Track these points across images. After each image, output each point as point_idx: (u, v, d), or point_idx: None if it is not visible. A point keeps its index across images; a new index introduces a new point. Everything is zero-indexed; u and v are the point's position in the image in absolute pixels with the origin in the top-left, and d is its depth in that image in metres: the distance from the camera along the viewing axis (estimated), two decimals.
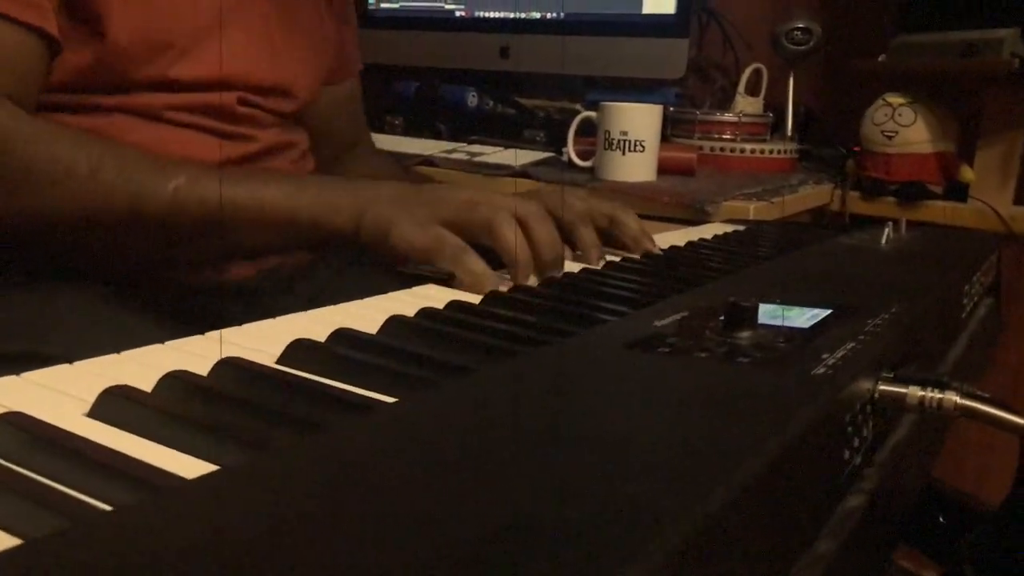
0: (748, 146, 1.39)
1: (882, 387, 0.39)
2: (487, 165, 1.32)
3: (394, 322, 0.46)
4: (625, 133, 1.19)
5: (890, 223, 0.80)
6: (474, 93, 1.56)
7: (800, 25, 1.44)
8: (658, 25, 1.47)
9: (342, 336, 0.43)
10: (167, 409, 0.32)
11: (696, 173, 1.28)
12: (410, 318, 0.47)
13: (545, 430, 0.29)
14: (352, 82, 1.04)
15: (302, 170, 0.88)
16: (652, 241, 0.75)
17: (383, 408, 0.33)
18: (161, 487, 0.26)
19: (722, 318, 0.42)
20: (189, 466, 0.29)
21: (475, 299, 0.54)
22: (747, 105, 1.47)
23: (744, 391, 0.34)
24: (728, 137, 1.41)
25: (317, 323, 0.46)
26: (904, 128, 1.27)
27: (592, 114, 1.24)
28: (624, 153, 1.19)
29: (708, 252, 0.76)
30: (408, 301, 0.53)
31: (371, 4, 1.75)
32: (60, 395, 0.35)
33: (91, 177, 0.63)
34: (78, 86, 0.70)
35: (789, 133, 1.47)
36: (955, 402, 0.38)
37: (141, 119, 0.72)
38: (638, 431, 0.30)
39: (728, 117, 1.43)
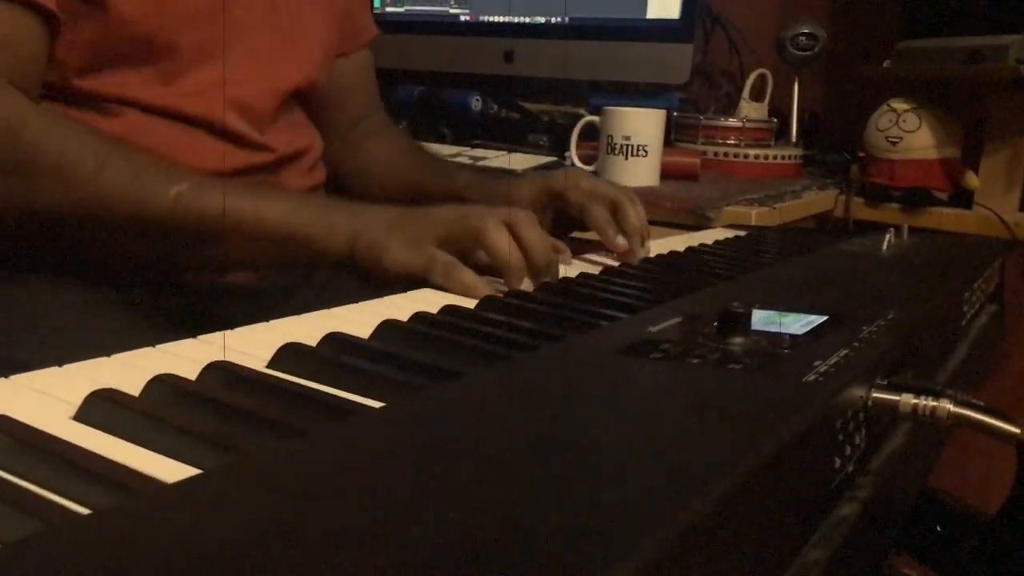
0: (752, 151, 1.39)
1: (875, 395, 0.39)
2: (490, 169, 1.32)
3: (386, 326, 0.46)
4: (628, 138, 1.19)
5: (891, 229, 0.80)
6: (478, 97, 1.56)
7: (805, 30, 1.43)
8: (663, 30, 1.46)
9: (334, 340, 0.43)
10: (153, 413, 0.32)
11: (700, 178, 1.28)
12: (403, 322, 0.47)
13: (532, 435, 0.29)
14: (364, 53, 1.02)
15: (314, 180, 0.88)
16: (644, 242, 0.74)
17: (368, 413, 0.33)
18: (139, 491, 0.26)
19: (716, 324, 0.42)
20: (171, 470, 0.29)
21: (470, 304, 0.54)
22: (751, 110, 1.46)
23: (734, 397, 0.34)
24: (732, 142, 1.40)
25: (311, 327, 0.46)
26: (909, 134, 1.26)
27: (595, 118, 1.24)
28: (627, 158, 1.19)
29: (708, 257, 0.76)
30: (404, 305, 0.53)
31: (376, 8, 1.76)
32: (48, 398, 0.35)
33: (95, 175, 0.63)
34: (81, 66, 0.69)
35: (793, 138, 1.47)
36: (948, 410, 0.38)
37: (153, 116, 0.71)
38: (628, 436, 0.30)
39: (732, 122, 1.42)
